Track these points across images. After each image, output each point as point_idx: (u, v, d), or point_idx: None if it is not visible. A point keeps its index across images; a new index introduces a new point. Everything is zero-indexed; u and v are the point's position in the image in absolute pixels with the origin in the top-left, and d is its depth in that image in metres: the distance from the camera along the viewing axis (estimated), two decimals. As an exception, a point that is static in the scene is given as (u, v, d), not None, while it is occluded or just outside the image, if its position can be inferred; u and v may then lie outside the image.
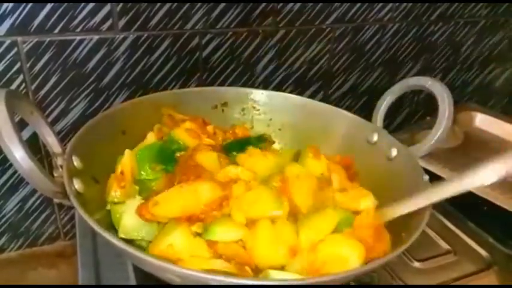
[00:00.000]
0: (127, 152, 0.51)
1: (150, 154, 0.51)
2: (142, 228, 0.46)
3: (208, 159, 0.51)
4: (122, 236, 0.46)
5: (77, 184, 0.44)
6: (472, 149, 0.78)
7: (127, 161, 0.50)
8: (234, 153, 0.55)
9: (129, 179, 0.49)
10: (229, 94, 0.65)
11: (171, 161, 0.52)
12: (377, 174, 0.56)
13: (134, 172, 0.50)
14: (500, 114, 0.87)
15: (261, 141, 0.60)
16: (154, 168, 0.51)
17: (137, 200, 0.47)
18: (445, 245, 0.61)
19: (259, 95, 0.65)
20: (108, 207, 0.48)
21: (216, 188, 0.46)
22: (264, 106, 0.65)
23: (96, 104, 0.70)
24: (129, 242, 0.46)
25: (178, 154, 0.53)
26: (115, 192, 0.48)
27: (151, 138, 0.55)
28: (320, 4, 0.77)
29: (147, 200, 0.47)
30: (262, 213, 0.44)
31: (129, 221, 0.46)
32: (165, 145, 0.53)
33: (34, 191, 0.72)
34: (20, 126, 0.42)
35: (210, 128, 0.58)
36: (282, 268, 0.43)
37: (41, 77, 0.65)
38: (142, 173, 0.51)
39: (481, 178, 0.41)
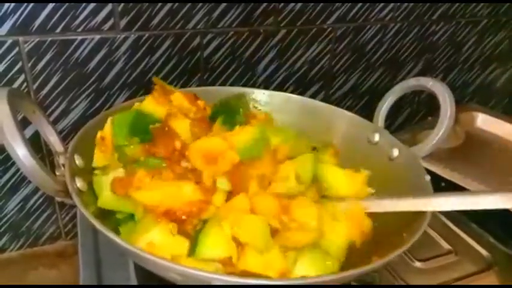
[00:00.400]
0: (109, 119, 0.51)
1: (126, 122, 0.51)
2: (121, 200, 0.46)
3: (181, 125, 0.51)
4: (101, 205, 0.46)
5: (79, 183, 0.44)
6: (473, 149, 0.78)
7: (108, 127, 0.50)
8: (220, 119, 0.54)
9: (109, 145, 0.49)
10: (230, 94, 0.65)
11: (145, 133, 0.51)
12: (378, 175, 0.56)
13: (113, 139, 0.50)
14: (501, 115, 0.87)
15: (241, 98, 0.59)
16: (130, 140, 0.50)
17: (120, 173, 0.47)
18: (446, 245, 0.61)
19: (261, 95, 0.65)
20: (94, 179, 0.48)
21: (198, 191, 0.45)
22: (265, 106, 0.65)
23: (97, 104, 0.70)
24: (109, 213, 0.46)
25: (152, 126, 0.51)
26: (96, 158, 0.48)
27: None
28: (321, 4, 0.77)
29: (128, 174, 0.46)
30: (253, 243, 0.43)
31: (109, 192, 0.46)
32: (139, 116, 0.52)
33: (35, 191, 0.72)
34: (22, 125, 0.42)
35: (200, 103, 0.56)
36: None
37: (42, 77, 0.65)
38: (119, 139, 0.50)
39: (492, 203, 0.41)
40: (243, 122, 0.55)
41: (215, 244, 0.42)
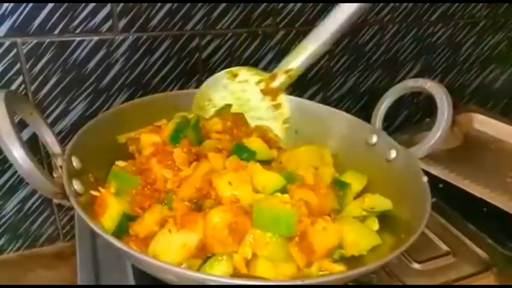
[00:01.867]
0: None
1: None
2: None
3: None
4: None
5: (77, 185, 0.44)
6: (471, 151, 0.78)
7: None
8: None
9: None
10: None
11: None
12: (376, 176, 0.56)
13: None
14: (499, 116, 0.87)
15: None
16: None
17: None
18: (444, 247, 0.61)
19: (259, 96, 0.65)
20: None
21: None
22: (264, 107, 0.65)
23: (96, 105, 0.70)
24: None
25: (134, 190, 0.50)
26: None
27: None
28: (320, 4, 0.77)
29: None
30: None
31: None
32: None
33: (33, 192, 0.72)
34: (20, 126, 0.42)
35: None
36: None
37: (40, 78, 0.65)
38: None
39: None
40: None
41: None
